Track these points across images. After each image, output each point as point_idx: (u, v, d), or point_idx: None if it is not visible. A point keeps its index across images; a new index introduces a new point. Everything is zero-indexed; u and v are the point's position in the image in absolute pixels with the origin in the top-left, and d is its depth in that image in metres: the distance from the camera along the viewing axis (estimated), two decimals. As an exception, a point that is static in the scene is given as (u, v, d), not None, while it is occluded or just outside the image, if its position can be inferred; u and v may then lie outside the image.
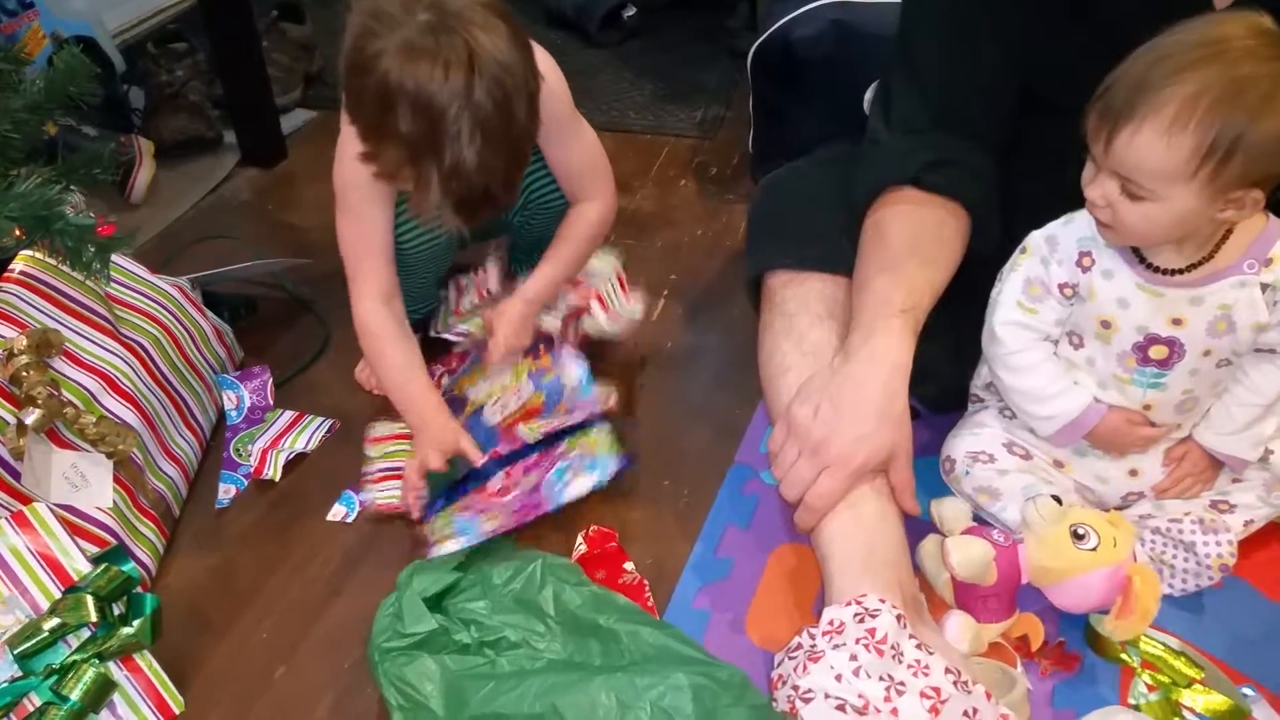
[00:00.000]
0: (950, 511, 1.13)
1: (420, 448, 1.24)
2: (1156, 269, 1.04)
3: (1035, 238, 1.11)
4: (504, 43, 1.07)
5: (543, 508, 1.20)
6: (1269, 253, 1.02)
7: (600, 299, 1.41)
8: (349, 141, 1.18)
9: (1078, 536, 1.03)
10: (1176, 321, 1.05)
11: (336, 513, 1.29)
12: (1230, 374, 1.10)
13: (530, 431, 1.27)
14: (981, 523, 1.13)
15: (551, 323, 1.37)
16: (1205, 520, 1.11)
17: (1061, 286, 1.09)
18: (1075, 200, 1.11)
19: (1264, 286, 1.02)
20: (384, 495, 1.29)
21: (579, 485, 1.22)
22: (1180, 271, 1.03)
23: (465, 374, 1.40)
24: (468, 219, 1.15)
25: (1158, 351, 1.06)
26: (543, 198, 1.39)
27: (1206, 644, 1.07)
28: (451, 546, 1.14)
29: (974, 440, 1.18)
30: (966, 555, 1.05)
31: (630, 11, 2.44)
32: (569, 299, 1.39)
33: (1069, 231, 1.08)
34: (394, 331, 1.27)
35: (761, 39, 1.76)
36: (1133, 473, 1.15)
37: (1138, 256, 1.05)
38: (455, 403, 1.35)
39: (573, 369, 1.33)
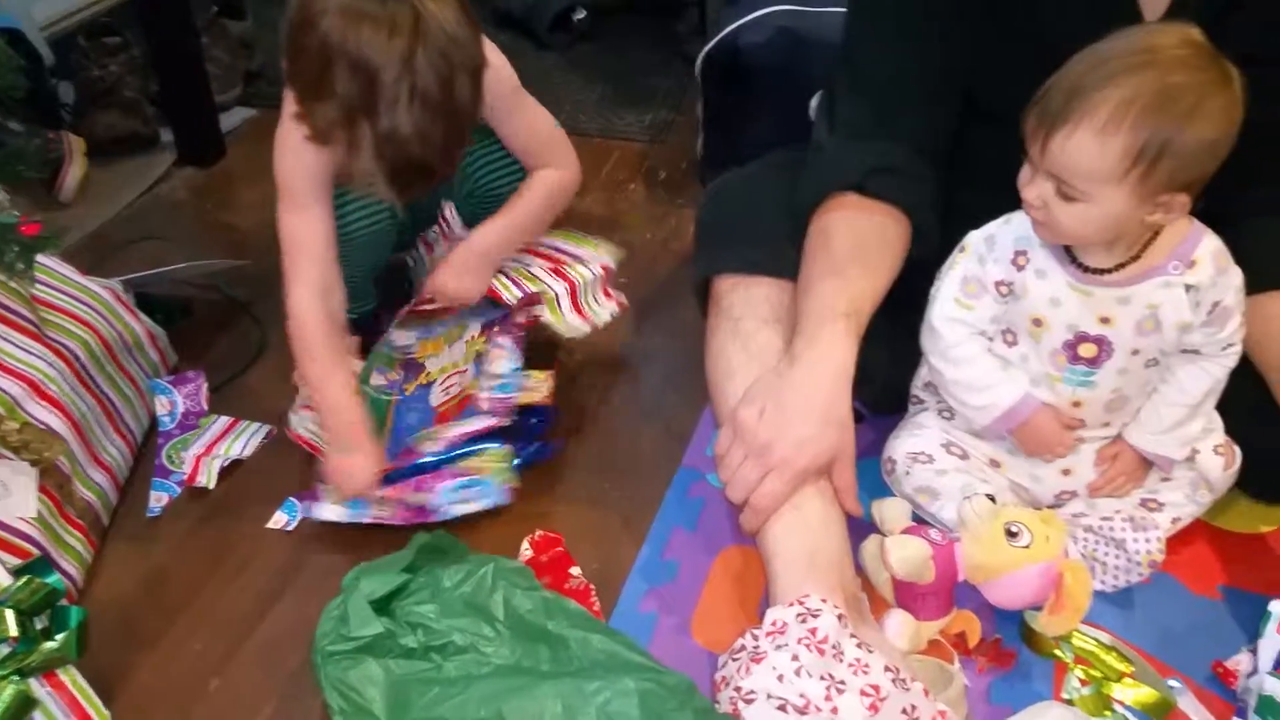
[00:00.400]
0: (891, 511, 1.13)
1: (332, 461, 1.23)
2: (1087, 268, 1.06)
3: (974, 237, 1.13)
4: (453, 16, 1.07)
5: (429, 517, 1.22)
6: (1192, 255, 1.05)
7: (574, 291, 1.37)
8: (289, 129, 1.17)
9: (1011, 534, 1.04)
10: (1105, 320, 1.07)
11: (278, 520, 1.26)
12: (1159, 374, 1.12)
13: (433, 444, 1.26)
14: (921, 522, 1.14)
15: (510, 296, 1.34)
16: (1135, 518, 1.13)
17: (997, 284, 1.10)
18: (1014, 207, 1.12)
19: (1188, 287, 1.05)
20: (311, 427, 1.27)
21: (467, 506, 1.23)
22: (1109, 271, 1.06)
23: (432, 337, 1.38)
24: (402, 190, 1.14)
25: (1087, 350, 1.08)
26: (490, 186, 1.38)
27: (1135, 638, 1.09)
28: (330, 514, 1.18)
29: (913, 441, 1.19)
30: (904, 554, 1.05)
31: (580, 14, 2.43)
32: (544, 277, 1.36)
33: (1007, 231, 1.10)
34: (324, 325, 1.25)
35: (710, 45, 1.77)
36: (1065, 472, 1.17)
37: (1070, 256, 1.07)
38: (412, 366, 1.35)
39: (501, 361, 1.30)
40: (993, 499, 1.09)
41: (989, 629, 1.09)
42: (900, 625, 1.06)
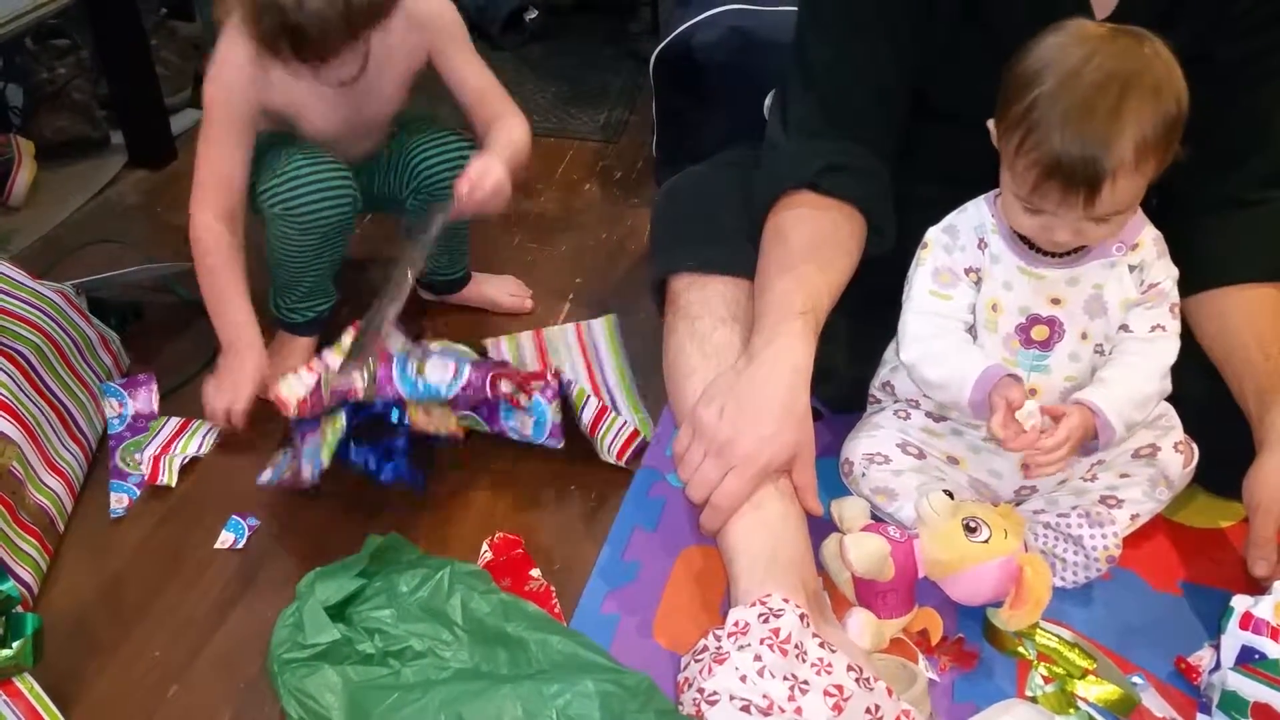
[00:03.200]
0: (850, 510, 1.14)
1: (219, 374, 1.29)
2: (1037, 251, 1.09)
3: (933, 232, 1.15)
4: None
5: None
6: (1135, 238, 1.10)
7: (551, 389, 1.29)
8: (225, 54, 1.25)
9: (969, 529, 1.06)
10: (1055, 301, 1.10)
11: (224, 539, 1.24)
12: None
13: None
14: (879, 520, 1.15)
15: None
16: (1092, 515, 1.14)
17: (968, 270, 1.13)
18: (965, 199, 1.14)
19: (1130, 267, 1.10)
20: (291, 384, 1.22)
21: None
22: (1056, 255, 1.09)
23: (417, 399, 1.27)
24: (301, 53, 1.18)
25: (1039, 332, 1.11)
26: (435, 177, 1.39)
27: (1097, 634, 1.10)
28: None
29: (870, 442, 1.20)
30: (863, 551, 1.06)
31: (532, 14, 2.43)
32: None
33: (965, 219, 1.13)
34: (226, 247, 1.31)
35: (663, 44, 1.77)
36: (1025, 468, 1.18)
37: (1022, 240, 1.10)
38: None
39: (438, 372, 1.25)
40: (950, 495, 1.10)
41: (951, 627, 1.10)
42: (862, 624, 1.06)
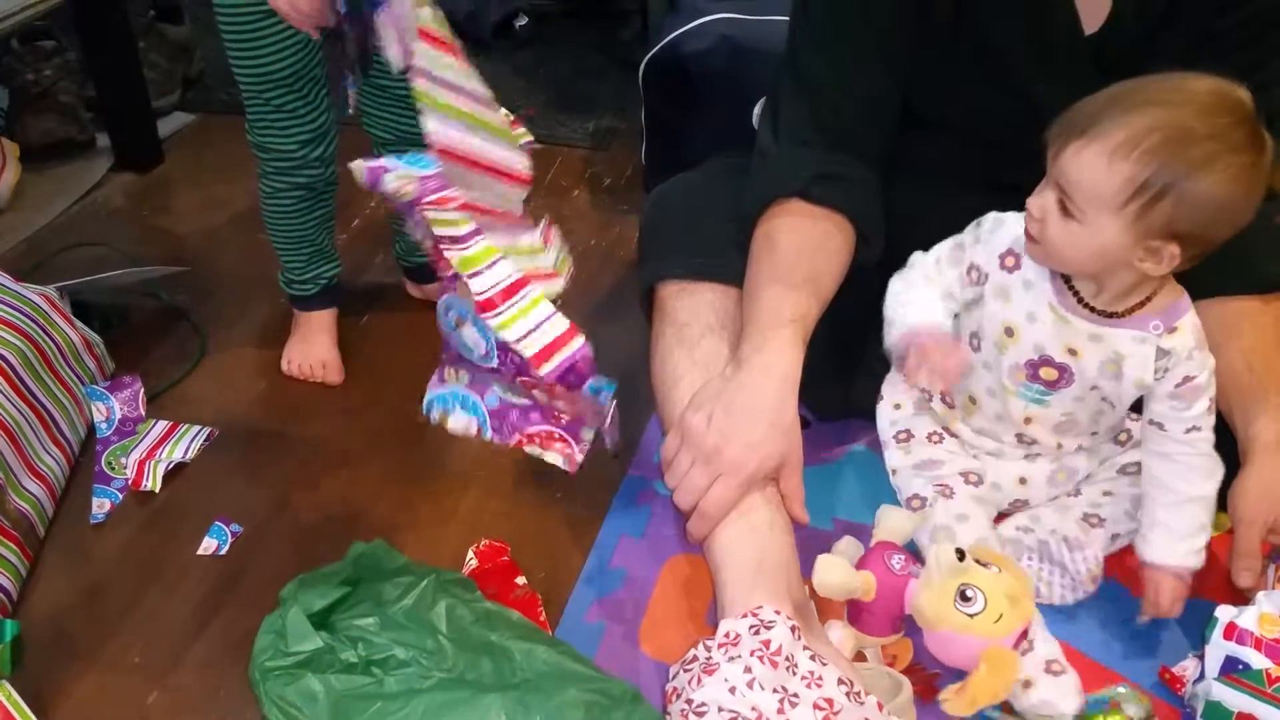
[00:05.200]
0: (886, 521, 1.12)
1: None
2: (1075, 293, 1.06)
3: (990, 216, 1.13)
4: None
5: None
6: (1175, 322, 1.05)
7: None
8: None
9: (964, 598, 1.02)
10: (1072, 351, 1.08)
11: (207, 546, 1.24)
12: (1114, 415, 1.14)
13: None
14: (889, 546, 1.11)
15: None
16: (1070, 539, 1.15)
17: (971, 267, 1.12)
18: (954, 209, 1.14)
19: (1160, 351, 1.05)
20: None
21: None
22: (1094, 308, 1.06)
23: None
24: None
25: (1048, 373, 1.10)
26: None
27: (1082, 645, 1.10)
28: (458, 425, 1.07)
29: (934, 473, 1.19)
30: (824, 578, 1.05)
31: (522, 21, 2.43)
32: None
33: (1012, 226, 1.10)
34: None
35: (653, 52, 1.77)
36: (1022, 480, 1.19)
37: (1064, 278, 1.07)
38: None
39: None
40: (962, 554, 1.05)
41: (928, 661, 1.08)
42: (841, 640, 1.06)
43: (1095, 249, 1.00)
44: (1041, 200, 1.01)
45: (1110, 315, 1.06)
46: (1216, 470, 1.08)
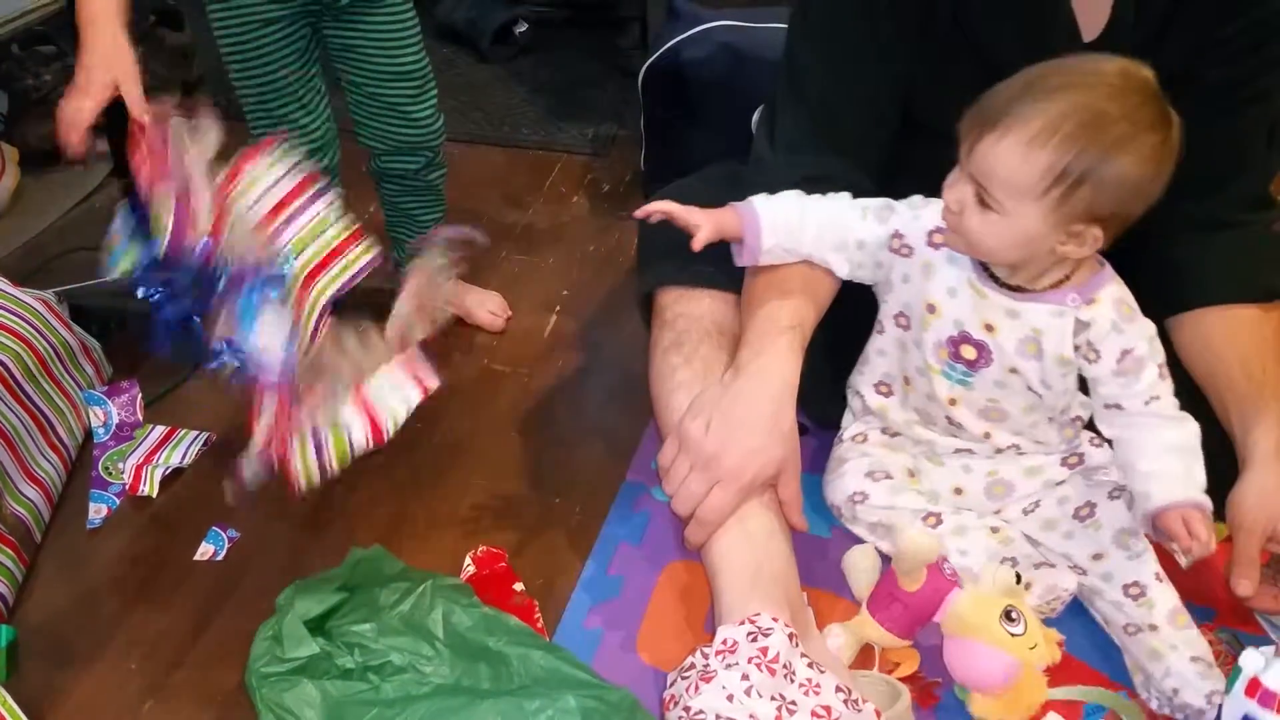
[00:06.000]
0: (914, 545, 1.08)
1: (82, 71, 1.10)
2: (989, 273, 1.07)
3: (919, 196, 1.13)
4: None
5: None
6: (1094, 294, 1.05)
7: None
8: None
9: (1009, 618, 1.02)
10: (989, 328, 1.08)
11: (204, 551, 1.23)
12: (1042, 414, 1.13)
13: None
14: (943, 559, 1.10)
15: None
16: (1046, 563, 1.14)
17: (896, 234, 1.12)
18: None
19: (1079, 324, 1.05)
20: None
21: None
22: (1008, 286, 1.07)
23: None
24: None
25: (967, 351, 1.10)
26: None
27: (1081, 652, 1.10)
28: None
29: (842, 483, 1.20)
30: (915, 545, 1.05)
31: (522, 27, 2.43)
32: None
33: (938, 205, 1.09)
34: None
35: (652, 59, 1.78)
36: (958, 491, 1.19)
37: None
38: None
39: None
40: (1019, 578, 1.06)
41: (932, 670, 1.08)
42: (841, 644, 1.06)
43: (1016, 238, 1.00)
44: (957, 194, 1.01)
45: (1027, 291, 1.06)
46: (1187, 422, 1.07)
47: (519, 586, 1.16)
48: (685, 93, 1.74)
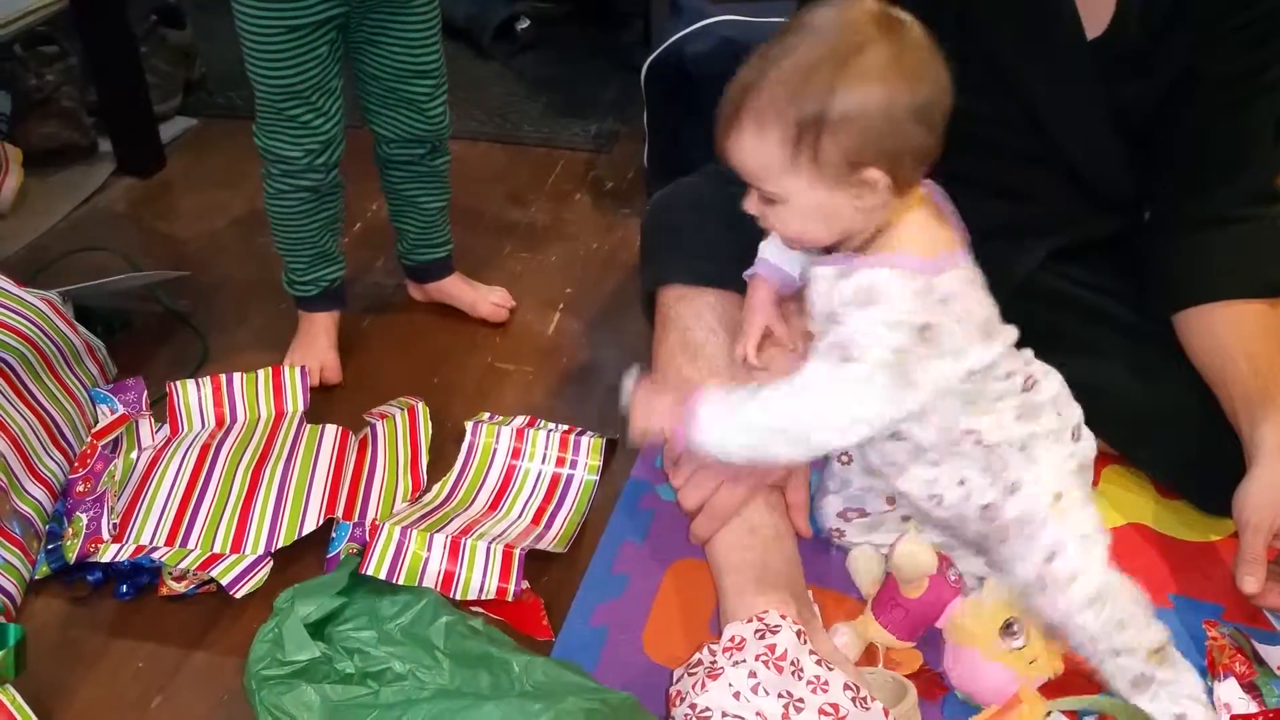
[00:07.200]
0: (913, 558, 1.06)
1: None
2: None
3: None
4: None
5: None
6: (857, 271, 0.96)
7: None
8: None
9: (1010, 630, 1.01)
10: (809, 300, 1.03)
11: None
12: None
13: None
14: (946, 559, 1.08)
15: None
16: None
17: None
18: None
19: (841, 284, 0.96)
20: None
21: None
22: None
23: None
24: None
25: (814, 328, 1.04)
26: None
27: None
28: None
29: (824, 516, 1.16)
30: (912, 559, 1.03)
31: (523, 24, 2.43)
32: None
33: None
34: None
35: (655, 55, 1.77)
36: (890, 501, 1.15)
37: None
38: None
39: None
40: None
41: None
42: (846, 643, 1.06)
43: (813, 215, 0.95)
44: (750, 203, 0.99)
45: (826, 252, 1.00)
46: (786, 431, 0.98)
47: (524, 584, 1.16)
48: (688, 88, 1.74)
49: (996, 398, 1.00)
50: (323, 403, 1.42)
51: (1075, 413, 1.04)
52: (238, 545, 1.17)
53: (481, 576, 1.14)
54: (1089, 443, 1.05)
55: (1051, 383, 1.03)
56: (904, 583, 1.05)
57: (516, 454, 1.31)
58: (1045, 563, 0.99)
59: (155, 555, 1.15)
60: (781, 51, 0.92)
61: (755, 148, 0.93)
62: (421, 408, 1.36)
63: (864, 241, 0.97)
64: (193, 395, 1.35)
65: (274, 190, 1.40)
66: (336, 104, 1.35)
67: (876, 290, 0.94)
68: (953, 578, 1.06)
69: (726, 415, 0.99)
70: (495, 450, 1.31)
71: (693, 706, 0.95)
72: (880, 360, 0.93)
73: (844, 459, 1.15)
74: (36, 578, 1.17)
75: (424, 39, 1.37)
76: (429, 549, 1.14)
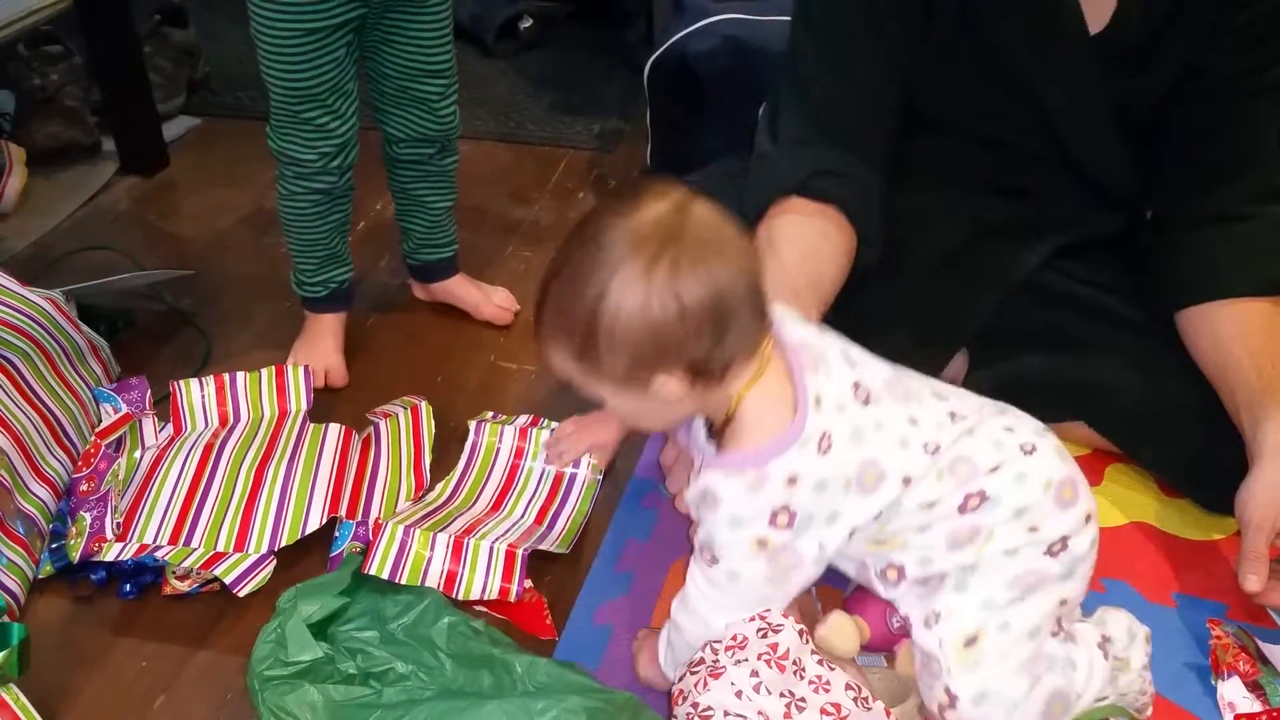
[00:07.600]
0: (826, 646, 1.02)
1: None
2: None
3: None
4: None
5: None
6: (726, 467, 0.90)
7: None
8: None
9: None
10: None
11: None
12: None
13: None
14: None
15: None
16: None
17: None
18: (954, 211, 1.13)
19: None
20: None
21: None
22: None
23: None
24: None
25: None
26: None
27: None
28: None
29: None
30: (837, 634, 1.02)
31: (527, 23, 2.43)
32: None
33: None
34: None
35: (658, 53, 1.77)
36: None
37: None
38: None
39: None
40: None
41: None
42: (841, 631, 1.05)
43: (636, 417, 0.94)
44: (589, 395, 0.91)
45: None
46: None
47: (527, 584, 1.16)
48: (691, 87, 1.74)
49: (918, 529, 0.92)
50: (326, 402, 1.42)
51: (1062, 524, 0.90)
52: (241, 544, 1.17)
53: (484, 577, 1.14)
54: (1078, 583, 0.93)
55: (1024, 490, 0.90)
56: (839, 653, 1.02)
57: (520, 453, 1.31)
58: (941, 709, 0.93)
59: (159, 554, 1.15)
60: (562, 263, 0.86)
61: (556, 361, 0.88)
62: (425, 407, 1.35)
63: (721, 422, 0.91)
64: (196, 394, 1.34)
65: (286, 191, 1.40)
66: (352, 107, 1.35)
67: (711, 494, 0.90)
68: (895, 626, 1.02)
69: (664, 650, 1.01)
70: (498, 449, 1.31)
71: (695, 706, 0.95)
72: (744, 554, 0.91)
73: None
74: (40, 577, 1.17)
75: (437, 38, 1.37)
76: (432, 549, 1.14)
